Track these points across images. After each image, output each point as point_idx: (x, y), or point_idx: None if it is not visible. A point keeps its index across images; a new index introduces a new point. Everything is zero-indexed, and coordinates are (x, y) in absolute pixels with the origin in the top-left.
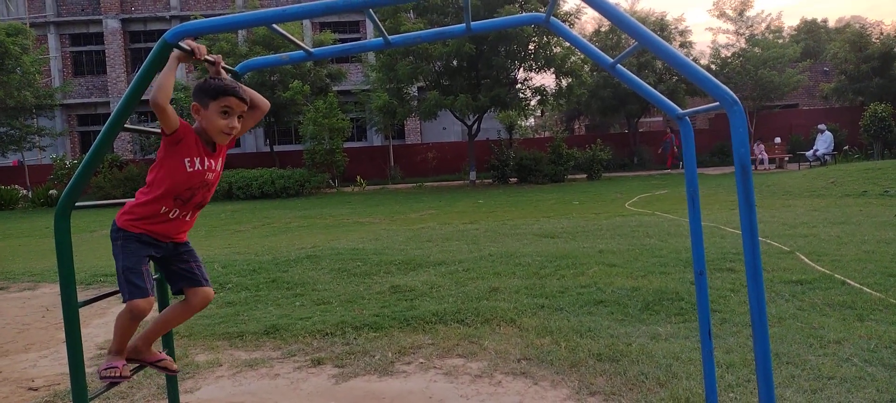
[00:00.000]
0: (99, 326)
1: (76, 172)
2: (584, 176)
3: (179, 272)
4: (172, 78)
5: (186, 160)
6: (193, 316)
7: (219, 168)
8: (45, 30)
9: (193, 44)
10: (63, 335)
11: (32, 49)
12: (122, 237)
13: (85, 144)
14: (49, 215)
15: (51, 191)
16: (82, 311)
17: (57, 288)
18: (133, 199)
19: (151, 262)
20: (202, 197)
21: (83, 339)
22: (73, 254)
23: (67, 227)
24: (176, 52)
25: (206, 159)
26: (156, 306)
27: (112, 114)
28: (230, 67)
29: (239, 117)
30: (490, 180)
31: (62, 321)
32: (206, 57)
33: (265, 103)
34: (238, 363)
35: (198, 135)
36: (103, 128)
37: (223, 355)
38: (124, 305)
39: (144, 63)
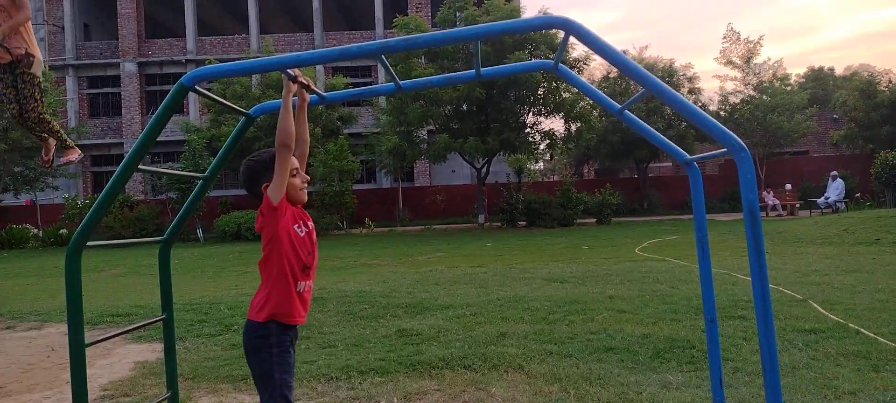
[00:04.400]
0: (103, 367)
1: (90, 211)
2: (594, 220)
3: None
4: (290, 113)
5: (295, 226)
6: None
7: (312, 225)
8: (63, 72)
9: (294, 70)
10: (68, 375)
11: (51, 91)
12: (274, 334)
13: (97, 185)
14: (59, 255)
15: (61, 231)
16: (87, 351)
17: (63, 328)
18: (269, 300)
19: None
20: (314, 257)
21: (87, 380)
22: (83, 294)
23: (78, 266)
24: (288, 84)
25: (307, 221)
26: None
27: (128, 154)
28: (244, 111)
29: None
30: (499, 223)
31: (67, 360)
32: (300, 79)
33: (305, 135)
34: None
35: (291, 204)
36: (119, 168)
37: (227, 398)
38: None
39: (161, 106)
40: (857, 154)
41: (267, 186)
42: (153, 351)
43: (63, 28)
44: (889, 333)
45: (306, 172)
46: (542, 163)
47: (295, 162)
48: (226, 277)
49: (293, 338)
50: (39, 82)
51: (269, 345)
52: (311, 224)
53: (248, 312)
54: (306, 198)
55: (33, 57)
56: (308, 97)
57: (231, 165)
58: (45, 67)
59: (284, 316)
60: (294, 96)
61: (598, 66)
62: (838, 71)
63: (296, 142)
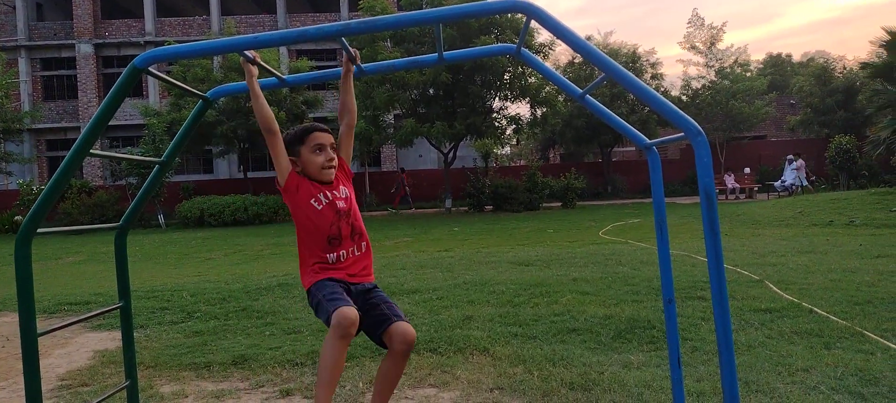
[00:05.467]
0: (61, 357)
1: (40, 197)
2: (559, 204)
3: (373, 319)
4: (260, 98)
5: (312, 201)
6: (401, 361)
7: (345, 194)
8: (15, 53)
9: (252, 52)
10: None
11: (2, 73)
12: (315, 289)
13: (53, 170)
14: (13, 242)
15: (16, 217)
16: (44, 341)
17: (18, 317)
18: (304, 273)
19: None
20: (350, 225)
21: (43, 370)
22: (38, 282)
23: (28, 253)
24: (248, 66)
25: (328, 192)
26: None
27: (79, 138)
28: (202, 94)
29: (332, 147)
30: (465, 208)
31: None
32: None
33: (351, 105)
34: (204, 394)
35: (310, 179)
36: (69, 153)
37: (189, 386)
38: (330, 325)
39: (114, 87)
40: (813, 138)
41: (292, 160)
42: (113, 340)
43: (14, 7)
44: (841, 312)
45: (270, 157)
46: (508, 148)
47: (323, 138)
48: (189, 264)
49: (343, 282)
50: None
51: (314, 300)
52: (337, 193)
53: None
54: (331, 178)
55: None
56: (353, 68)
57: (192, 150)
58: None
59: (322, 275)
60: (264, 78)
61: (563, 52)
62: (796, 57)
63: (343, 111)
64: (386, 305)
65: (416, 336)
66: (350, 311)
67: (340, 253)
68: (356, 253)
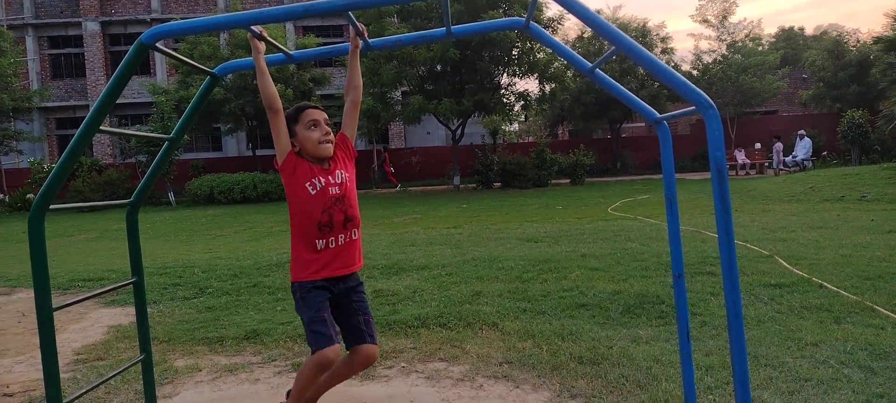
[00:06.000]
0: (75, 332)
1: (51, 174)
2: (568, 180)
3: (348, 327)
4: (266, 75)
5: (307, 185)
6: (354, 371)
7: (340, 179)
8: (22, 32)
9: (259, 28)
10: (39, 340)
11: (10, 51)
12: (299, 290)
13: (63, 148)
14: (25, 220)
15: (28, 196)
16: (59, 316)
17: (33, 293)
18: (292, 260)
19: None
20: (343, 212)
21: (59, 344)
22: (52, 259)
23: (42, 230)
24: (254, 42)
25: (322, 177)
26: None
27: (88, 116)
28: (209, 70)
29: (326, 122)
30: (474, 185)
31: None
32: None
33: (357, 81)
34: (218, 368)
35: (309, 161)
36: (79, 130)
37: (203, 360)
38: (312, 356)
39: (121, 65)
40: (826, 113)
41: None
42: (126, 315)
43: None
44: (851, 287)
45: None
46: (516, 125)
47: (316, 114)
48: (199, 241)
49: (326, 288)
50: None
51: (295, 297)
52: (333, 178)
53: None
54: (330, 152)
55: None
56: (360, 43)
57: (200, 128)
58: (7, 41)
59: (300, 274)
60: (273, 54)
61: (571, 26)
62: (808, 31)
63: (348, 88)
64: (364, 319)
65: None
66: (331, 353)
67: (330, 240)
68: (345, 241)
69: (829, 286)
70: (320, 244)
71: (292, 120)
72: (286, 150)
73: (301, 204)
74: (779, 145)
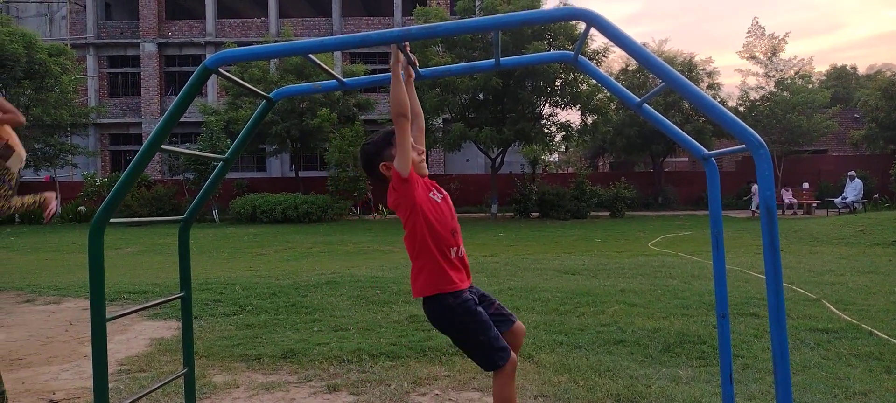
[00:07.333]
0: (120, 343)
1: (114, 189)
2: (607, 213)
3: (493, 319)
4: (401, 83)
5: (430, 193)
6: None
7: (446, 193)
8: (84, 51)
9: (399, 44)
10: (86, 349)
11: (72, 69)
12: (450, 305)
13: (115, 163)
14: (77, 231)
15: (80, 208)
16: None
17: (81, 303)
18: (422, 274)
19: None
20: (457, 223)
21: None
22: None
23: (101, 242)
24: (397, 53)
25: (438, 189)
26: None
27: (152, 133)
28: (266, 95)
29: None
30: (512, 214)
31: (85, 335)
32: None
33: (418, 108)
34: (255, 385)
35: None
36: (142, 147)
37: (240, 376)
38: (502, 369)
39: (184, 88)
40: (878, 154)
41: (385, 165)
42: (169, 329)
43: (85, 7)
44: None
45: (321, 157)
46: (556, 155)
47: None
48: (241, 259)
49: (473, 294)
50: (11, 177)
51: (453, 315)
52: (444, 192)
53: (412, 291)
54: (426, 170)
55: (12, 150)
56: (413, 74)
57: (248, 148)
58: (69, 59)
59: (445, 285)
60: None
61: (615, 59)
62: (861, 70)
63: (413, 118)
64: (498, 304)
65: None
66: (515, 357)
67: (460, 247)
68: (464, 251)
69: (879, 333)
70: (453, 252)
71: (388, 143)
72: (410, 160)
73: (433, 210)
74: (755, 187)
